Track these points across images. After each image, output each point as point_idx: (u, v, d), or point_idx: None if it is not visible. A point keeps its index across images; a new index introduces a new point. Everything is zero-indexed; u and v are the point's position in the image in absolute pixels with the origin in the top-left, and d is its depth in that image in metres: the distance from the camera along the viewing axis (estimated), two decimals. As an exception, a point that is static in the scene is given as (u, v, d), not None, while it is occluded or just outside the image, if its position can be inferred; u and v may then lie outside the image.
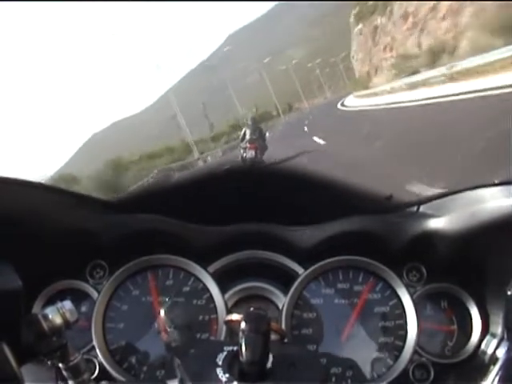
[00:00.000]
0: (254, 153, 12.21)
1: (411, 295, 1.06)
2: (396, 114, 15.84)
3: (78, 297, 1.11)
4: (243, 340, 0.73)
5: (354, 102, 35.83)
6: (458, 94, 12.70)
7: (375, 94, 30.52)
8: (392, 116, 15.88)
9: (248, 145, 12.56)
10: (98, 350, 1.05)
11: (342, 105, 37.84)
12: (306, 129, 23.23)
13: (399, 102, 18.06)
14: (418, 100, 15.64)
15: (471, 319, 1.06)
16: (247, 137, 12.82)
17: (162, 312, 1.09)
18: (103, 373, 1.03)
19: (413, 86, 21.36)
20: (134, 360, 1.05)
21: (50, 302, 1.08)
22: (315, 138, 15.13)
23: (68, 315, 0.78)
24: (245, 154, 12.43)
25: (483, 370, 0.91)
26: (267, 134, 15.30)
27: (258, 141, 12.69)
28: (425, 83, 19.99)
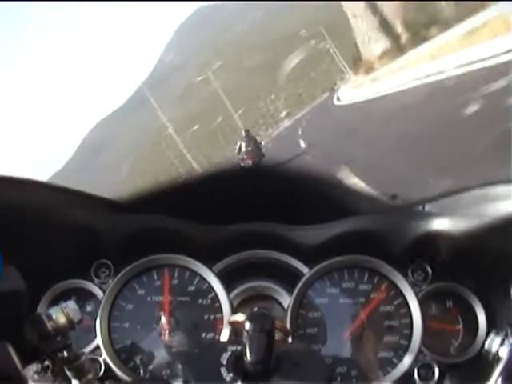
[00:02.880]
0: (251, 162, 12.47)
1: (416, 294, 1.05)
2: (399, 98, 15.26)
3: (84, 296, 1.11)
4: (247, 340, 0.73)
5: (350, 93, 32.95)
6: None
7: (373, 80, 28.54)
8: (394, 104, 15.24)
9: (245, 156, 12.97)
10: (103, 350, 1.05)
11: (338, 99, 35.42)
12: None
13: (399, 85, 17.11)
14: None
15: (477, 319, 1.06)
16: (243, 149, 13.24)
17: (167, 314, 1.09)
18: (108, 372, 1.04)
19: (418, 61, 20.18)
20: (139, 359, 1.05)
21: (56, 301, 1.09)
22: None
23: (72, 315, 0.78)
24: (243, 164, 12.54)
25: (488, 370, 0.91)
26: (262, 143, 15.63)
27: (254, 151, 13.11)
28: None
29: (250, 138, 13.73)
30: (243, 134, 14.11)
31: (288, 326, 1.04)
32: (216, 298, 1.09)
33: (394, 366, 1.03)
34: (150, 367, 1.05)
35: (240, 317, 0.81)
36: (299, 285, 1.08)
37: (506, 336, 0.92)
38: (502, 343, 0.91)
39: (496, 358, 0.91)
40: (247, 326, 0.74)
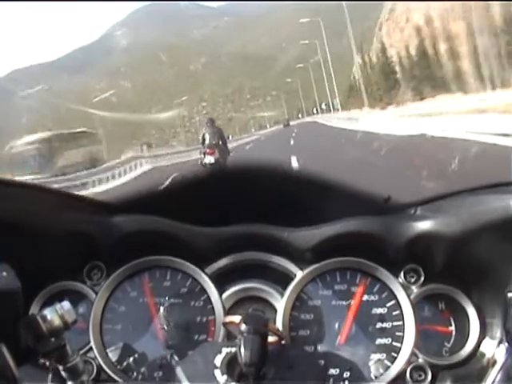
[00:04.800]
0: (212, 159, 11.05)
1: (409, 296, 1.06)
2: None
3: (76, 298, 1.10)
4: (242, 341, 0.74)
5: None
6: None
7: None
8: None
9: (207, 150, 11.32)
10: (95, 351, 1.04)
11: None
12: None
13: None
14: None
15: (469, 321, 1.06)
16: (206, 141, 11.48)
17: (160, 312, 1.09)
18: (101, 374, 1.03)
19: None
20: (131, 361, 1.05)
21: (48, 303, 1.08)
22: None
23: (66, 316, 0.78)
24: (204, 161, 11.26)
25: (481, 372, 0.91)
26: (230, 138, 13.78)
27: (219, 146, 11.41)
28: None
29: (215, 131, 11.66)
30: (206, 123, 12.00)
31: (280, 327, 1.05)
32: (208, 300, 1.09)
33: (387, 367, 1.03)
34: (143, 369, 1.04)
35: (236, 318, 0.81)
36: (291, 287, 1.08)
37: (502, 340, 0.93)
38: (497, 347, 0.92)
39: (491, 361, 0.92)
40: (242, 327, 0.74)
